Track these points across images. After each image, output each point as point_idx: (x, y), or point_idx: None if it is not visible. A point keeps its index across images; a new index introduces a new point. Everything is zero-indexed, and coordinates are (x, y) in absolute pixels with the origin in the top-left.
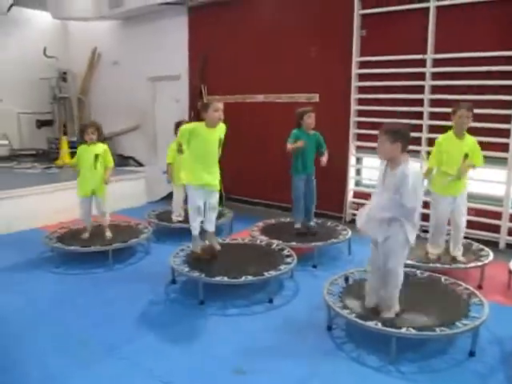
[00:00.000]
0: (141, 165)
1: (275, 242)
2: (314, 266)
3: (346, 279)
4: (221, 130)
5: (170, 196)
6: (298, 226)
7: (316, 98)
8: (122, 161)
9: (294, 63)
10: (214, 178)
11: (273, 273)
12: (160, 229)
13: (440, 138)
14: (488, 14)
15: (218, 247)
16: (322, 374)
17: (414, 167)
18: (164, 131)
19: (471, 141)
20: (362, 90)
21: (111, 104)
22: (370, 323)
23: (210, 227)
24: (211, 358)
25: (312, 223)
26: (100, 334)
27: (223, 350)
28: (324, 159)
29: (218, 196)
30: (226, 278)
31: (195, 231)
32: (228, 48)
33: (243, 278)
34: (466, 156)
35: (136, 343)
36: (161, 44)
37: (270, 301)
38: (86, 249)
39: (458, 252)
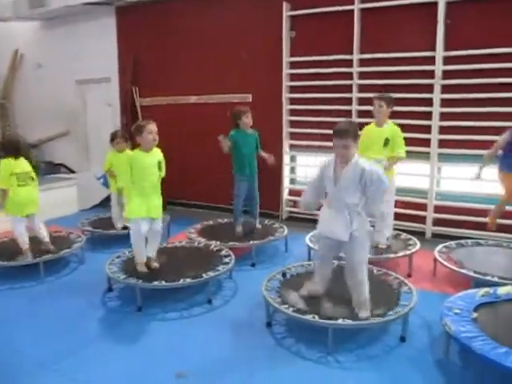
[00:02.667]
0: (72, 171)
1: (213, 243)
2: (253, 265)
3: (284, 275)
4: (158, 152)
5: (104, 203)
6: (239, 229)
7: (249, 98)
8: (52, 168)
9: (226, 64)
10: (156, 207)
11: (211, 274)
12: (95, 237)
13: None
14: (410, 16)
15: (157, 265)
16: (263, 370)
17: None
18: (97, 136)
19: (392, 128)
20: (293, 89)
21: (37, 109)
22: (308, 316)
23: (152, 252)
24: (152, 364)
25: (258, 225)
26: (34, 351)
27: (164, 354)
28: (269, 157)
29: (160, 221)
30: (163, 283)
31: (143, 259)
32: (159, 49)
33: (181, 281)
34: (387, 141)
35: (73, 357)
36: (88, 45)
37: (209, 302)
38: (14, 263)
39: (379, 239)
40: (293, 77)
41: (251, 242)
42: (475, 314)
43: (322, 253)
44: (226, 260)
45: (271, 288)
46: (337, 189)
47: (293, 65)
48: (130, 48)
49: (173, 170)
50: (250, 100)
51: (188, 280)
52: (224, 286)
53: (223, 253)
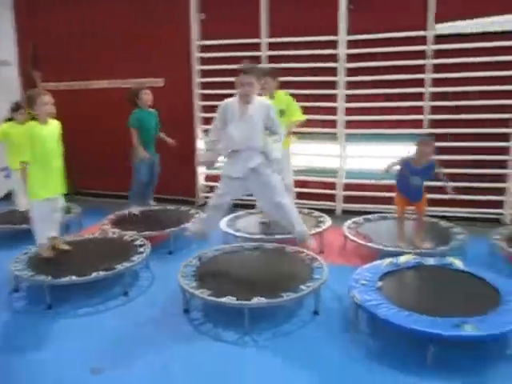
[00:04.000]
0: None
1: (128, 233)
2: (170, 253)
3: (200, 259)
4: (55, 125)
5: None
6: (135, 211)
7: (161, 82)
8: None
9: (136, 47)
10: (57, 184)
11: (126, 265)
12: (2, 234)
13: None
14: (314, 1)
15: (67, 247)
16: (182, 357)
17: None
18: None
19: (283, 98)
20: (205, 73)
21: None
22: (224, 299)
23: (56, 231)
24: (66, 363)
25: (152, 202)
26: None
27: (78, 352)
28: (168, 139)
29: (62, 197)
30: (74, 278)
31: (43, 240)
32: (64, 32)
33: (93, 274)
34: (282, 112)
35: None
36: None
37: (126, 294)
38: None
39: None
40: (205, 61)
41: (168, 229)
42: (380, 283)
43: (223, 197)
44: (141, 250)
45: (187, 274)
46: (244, 127)
47: (204, 48)
48: (32, 30)
49: (83, 160)
50: (163, 84)
51: (101, 273)
52: (141, 276)
53: (138, 242)
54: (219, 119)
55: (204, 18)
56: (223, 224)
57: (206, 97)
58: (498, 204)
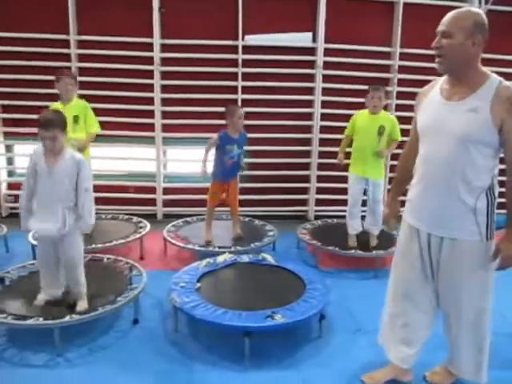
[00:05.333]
0: None
1: None
2: None
3: (1, 280)
4: None
5: None
6: None
7: None
8: None
9: None
10: None
11: None
12: None
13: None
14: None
15: None
16: None
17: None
18: None
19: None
20: (4, 69)
21: None
22: (31, 321)
23: None
24: None
25: None
26: None
27: None
28: None
29: None
30: None
31: None
32: None
33: None
34: (76, 118)
35: None
36: None
37: None
38: None
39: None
40: (2, 55)
41: None
42: (198, 284)
43: (41, 256)
44: None
45: None
46: (51, 181)
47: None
48: None
49: None
50: None
51: None
52: None
53: None
54: (31, 170)
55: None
56: (31, 236)
57: (6, 95)
58: (304, 202)
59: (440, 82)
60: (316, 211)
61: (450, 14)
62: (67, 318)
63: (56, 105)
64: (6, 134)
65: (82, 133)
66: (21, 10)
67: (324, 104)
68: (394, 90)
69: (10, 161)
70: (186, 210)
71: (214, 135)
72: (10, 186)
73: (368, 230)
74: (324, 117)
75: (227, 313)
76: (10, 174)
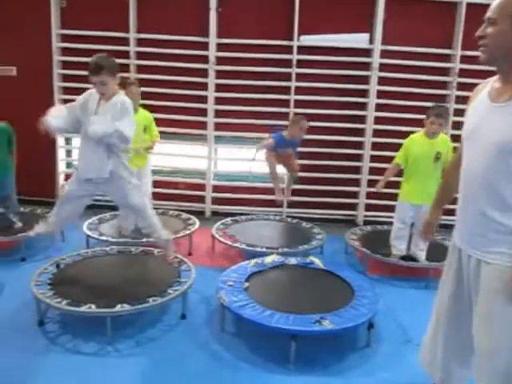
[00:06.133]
0: None
1: None
2: (23, 259)
3: (57, 266)
4: None
5: None
6: None
7: (13, 71)
8: None
9: None
10: None
11: None
12: None
13: None
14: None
15: None
16: (37, 374)
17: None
18: None
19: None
20: (67, 65)
21: None
22: (84, 308)
23: None
24: None
25: (18, 223)
26: None
27: None
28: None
29: None
30: None
31: None
32: None
33: None
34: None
35: None
36: None
37: None
38: None
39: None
40: (65, 51)
41: (19, 234)
42: (246, 284)
43: (71, 192)
44: None
45: (42, 282)
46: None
47: (66, 38)
48: None
49: None
50: (15, 73)
51: None
52: None
53: None
54: (77, 104)
55: (65, 6)
56: (85, 227)
57: (66, 90)
58: (353, 206)
59: (491, 81)
60: (365, 216)
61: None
62: (118, 308)
63: None
64: None
65: (147, 141)
66: (86, 9)
67: (378, 107)
68: (452, 93)
69: (68, 153)
70: (233, 209)
71: (270, 139)
72: (67, 178)
73: (415, 254)
74: (378, 120)
75: (275, 315)
76: (68, 165)
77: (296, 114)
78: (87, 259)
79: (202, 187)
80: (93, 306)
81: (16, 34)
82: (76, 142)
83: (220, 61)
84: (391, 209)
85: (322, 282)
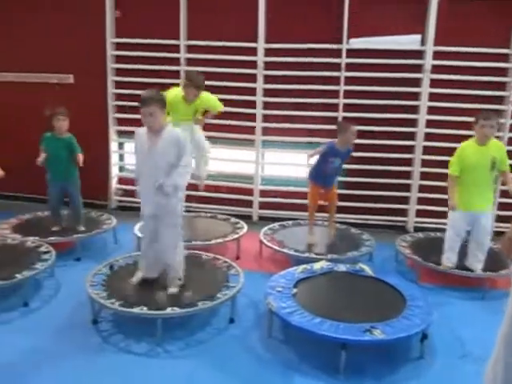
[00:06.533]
0: None
1: (30, 238)
2: (78, 260)
3: (111, 267)
4: None
5: None
6: (54, 228)
7: (70, 79)
8: None
9: (44, 39)
10: None
11: (26, 273)
12: None
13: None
14: (233, 7)
15: None
16: (91, 371)
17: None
18: None
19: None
20: (120, 72)
21: None
22: (136, 309)
23: None
24: None
25: (82, 227)
26: None
27: None
28: (79, 159)
29: None
30: None
31: None
32: None
33: None
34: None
35: None
36: None
37: (26, 304)
38: None
39: None
40: (119, 59)
41: (75, 235)
42: (294, 290)
43: (145, 235)
44: (46, 257)
45: (97, 283)
46: (151, 157)
47: (120, 46)
48: None
49: None
50: (72, 81)
51: None
52: (44, 285)
53: (42, 249)
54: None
55: (120, 16)
56: (136, 229)
57: (120, 96)
58: (403, 212)
59: None
60: (416, 222)
61: None
62: (169, 310)
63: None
64: (119, 133)
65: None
66: (138, 18)
67: (431, 110)
68: (510, 94)
69: (121, 157)
70: (280, 214)
71: (324, 146)
72: (120, 181)
73: (471, 265)
74: (430, 123)
75: (324, 322)
76: (121, 169)
77: (344, 118)
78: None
79: (249, 192)
80: (144, 308)
81: (73, 43)
82: (128, 146)
83: (268, 65)
84: (443, 215)
85: (372, 290)
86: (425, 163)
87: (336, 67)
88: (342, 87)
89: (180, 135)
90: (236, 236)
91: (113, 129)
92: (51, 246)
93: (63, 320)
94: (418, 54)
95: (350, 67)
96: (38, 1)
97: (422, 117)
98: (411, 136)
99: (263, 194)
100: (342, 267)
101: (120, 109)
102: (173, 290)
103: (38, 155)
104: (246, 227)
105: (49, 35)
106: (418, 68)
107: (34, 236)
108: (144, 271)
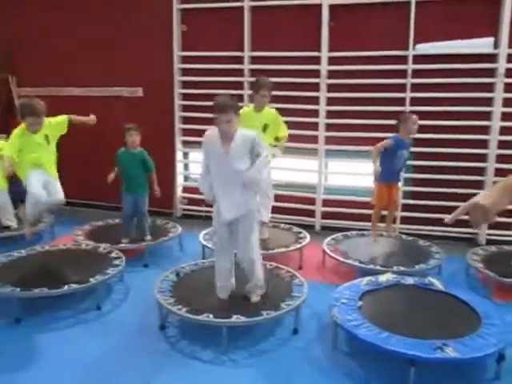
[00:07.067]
0: None
1: (102, 245)
2: (146, 266)
3: (177, 274)
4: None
5: None
6: (124, 240)
7: (140, 92)
8: None
9: (115, 54)
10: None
11: (99, 278)
12: None
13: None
14: (297, 16)
15: None
16: (158, 376)
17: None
18: None
19: (270, 113)
20: (186, 84)
21: None
22: (202, 316)
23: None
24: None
25: (148, 237)
26: None
27: (51, 369)
28: (156, 189)
29: None
30: (45, 290)
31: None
32: (42, 33)
33: (66, 287)
34: (266, 126)
35: None
36: None
37: (99, 308)
38: None
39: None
40: (184, 71)
41: (143, 242)
42: (360, 303)
43: (220, 244)
44: (116, 262)
45: (164, 289)
46: (227, 161)
47: (185, 59)
48: (4, 29)
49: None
50: (142, 94)
51: (73, 286)
52: (114, 289)
53: (113, 255)
54: (205, 161)
55: (186, 30)
56: (202, 237)
57: (186, 108)
58: None
59: None
60: (488, 235)
61: None
62: (234, 319)
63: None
64: (184, 143)
65: (270, 139)
66: (203, 32)
67: (505, 116)
68: None
69: (185, 167)
70: (343, 224)
71: (389, 141)
72: (185, 190)
73: None
74: (504, 130)
75: (392, 337)
76: (186, 178)
77: (415, 117)
78: (204, 269)
79: (312, 201)
80: (210, 316)
81: (141, 57)
82: (193, 156)
83: (331, 74)
84: None
85: (443, 305)
86: (498, 172)
87: (402, 74)
88: (409, 94)
89: (254, 134)
90: (299, 246)
91: (179, 139)
92: (121, 252)
93: (132, 324)
94: (491, 58)
95: (417, 73)
96: (114, 20)
97: (496, 123)
98: (483, 144)
99: (326, 203)
100: (409, 280)
101: (185, 120)
102: (255, 298)
103: (111, 166)
104: (308, 237)
105: (120, 52)
106: (490, 72)
107: (105, 242)
108: (219, 290)
